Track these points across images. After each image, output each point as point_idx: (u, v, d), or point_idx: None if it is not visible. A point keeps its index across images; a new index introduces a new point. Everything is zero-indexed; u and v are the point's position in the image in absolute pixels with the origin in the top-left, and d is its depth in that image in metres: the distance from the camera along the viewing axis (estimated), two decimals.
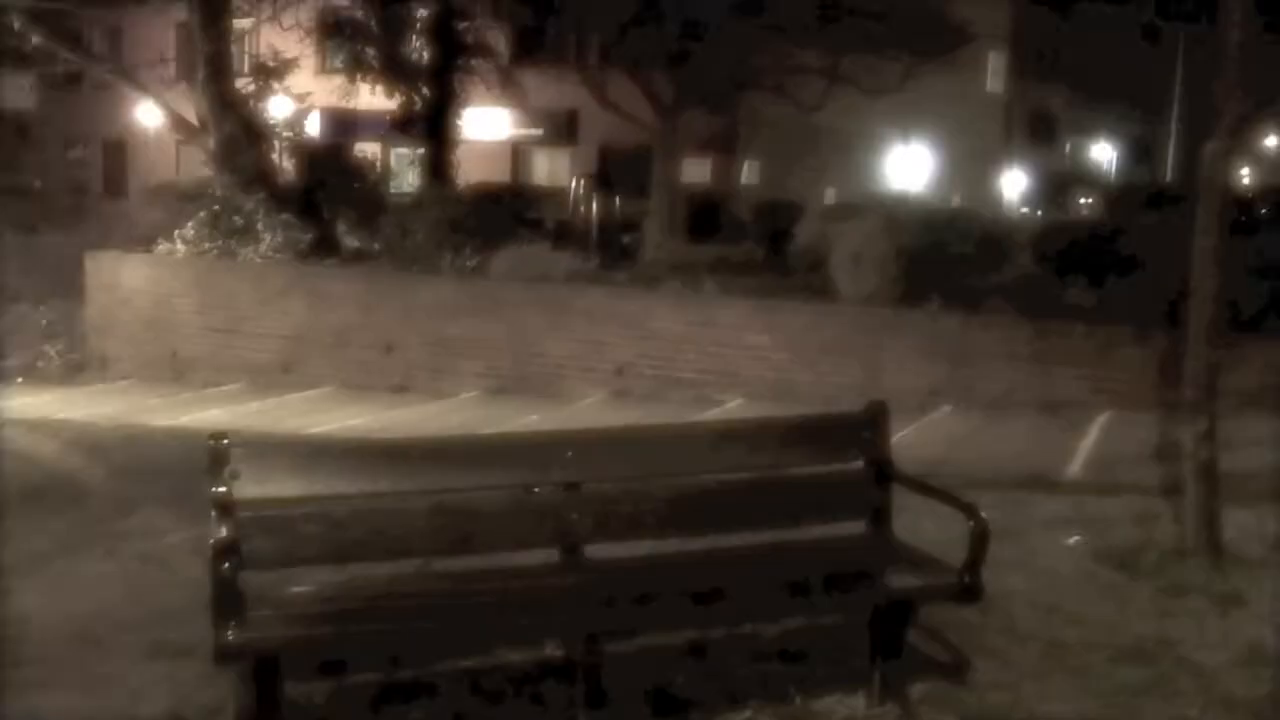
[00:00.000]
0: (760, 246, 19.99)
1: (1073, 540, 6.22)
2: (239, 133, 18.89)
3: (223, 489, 3.68)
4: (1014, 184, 42.19)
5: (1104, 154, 53.35)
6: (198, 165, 20.83)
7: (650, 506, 4.19)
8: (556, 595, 3.90)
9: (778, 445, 4.49)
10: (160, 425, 10.93)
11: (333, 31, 25.46)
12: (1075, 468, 8.71)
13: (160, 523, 6.50)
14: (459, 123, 24.57)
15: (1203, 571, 5.56)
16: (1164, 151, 40.60)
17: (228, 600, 3.45)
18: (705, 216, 24.10)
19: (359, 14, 24.44)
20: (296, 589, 3.83)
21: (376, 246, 17.05)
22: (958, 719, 4.06)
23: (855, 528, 4.40)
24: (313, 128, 25.83)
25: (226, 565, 3.47)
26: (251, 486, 3.74)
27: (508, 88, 26.45)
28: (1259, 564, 5.73)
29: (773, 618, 4.53)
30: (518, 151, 32.91)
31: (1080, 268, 13.64)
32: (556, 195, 26.49)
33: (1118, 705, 4.28)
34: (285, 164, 22.08)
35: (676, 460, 4.39)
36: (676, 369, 12.35)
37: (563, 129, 31.56)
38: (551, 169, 32.02)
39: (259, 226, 16.31)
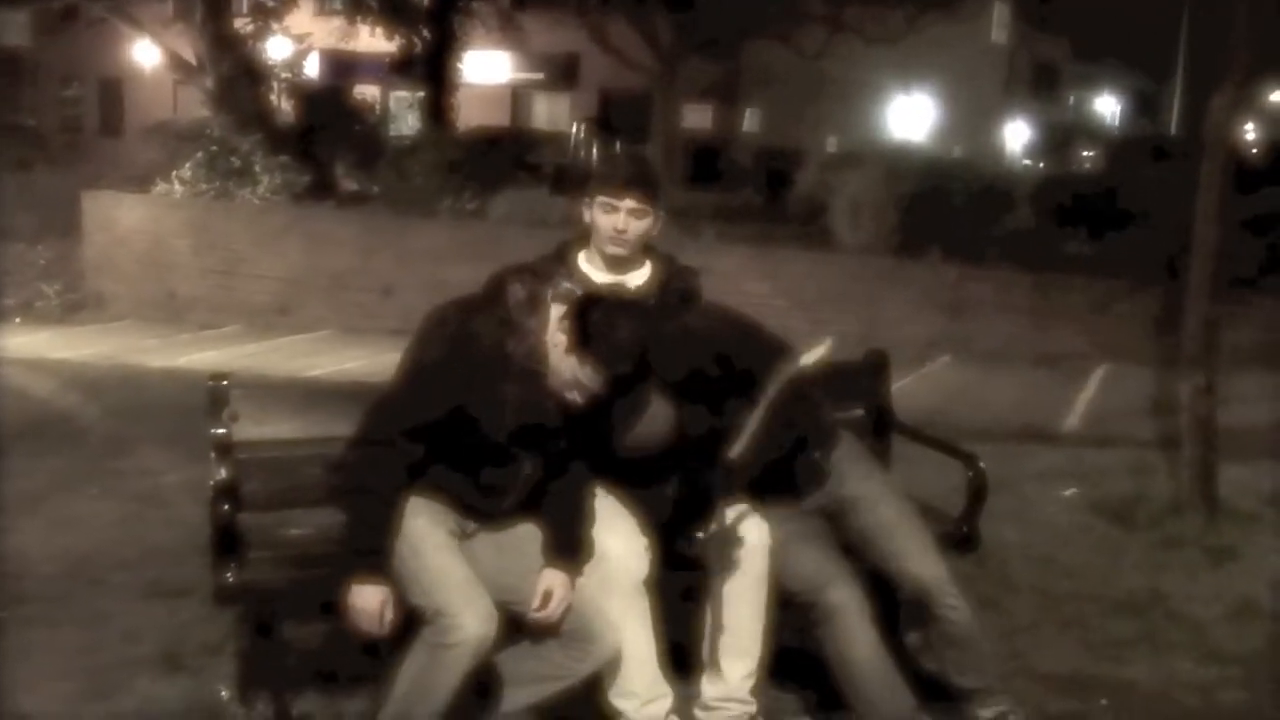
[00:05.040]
0: (760, 194, 19.95)
1: (1069, 492, 6.24)
2: (237, 73, 18.77)
3: (222, 430, 3.67)
4: (1016, 135, 42.02)
5: (1107, 107, 53.11)
6: (195, 105, 20.69)
7: None
8: None
9: None
10: (157, 366, 10.93)
11: None
12: (1073, 420, 8.74)
13: (158, 463, 6.51)
14: (459, 66, 24.40)
15: (1197, 525, 5.59)
16: (1168, 105, 40.38)
17: (226, 541, 3.45)
18: (705, 163, 24.02)
19: None
20: (295, 531, 3.83)
21: (375, 189, 16.99)
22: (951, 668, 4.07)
23: None
24: (311, 69, 25.62)
25: (225, 506, 3.47)
26: (250, 428, 3.73)
27: (508, 30, 26.26)
28: (1253, 519, 5.75)
29: None
30: (518, 95, 32.74)
31: (1081, 221, 13.62)
32: (556, 139, 26.37)
33: (1110, 657, 4.30)
34: (283, 105, 21.92)
35: None
36: None
37: (563, 73, 31.37)
38: (551, 113, 31.85)
39: (256, 168, 16.23)
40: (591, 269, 3.64)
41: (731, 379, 3.42)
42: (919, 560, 3.49)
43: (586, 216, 3.65)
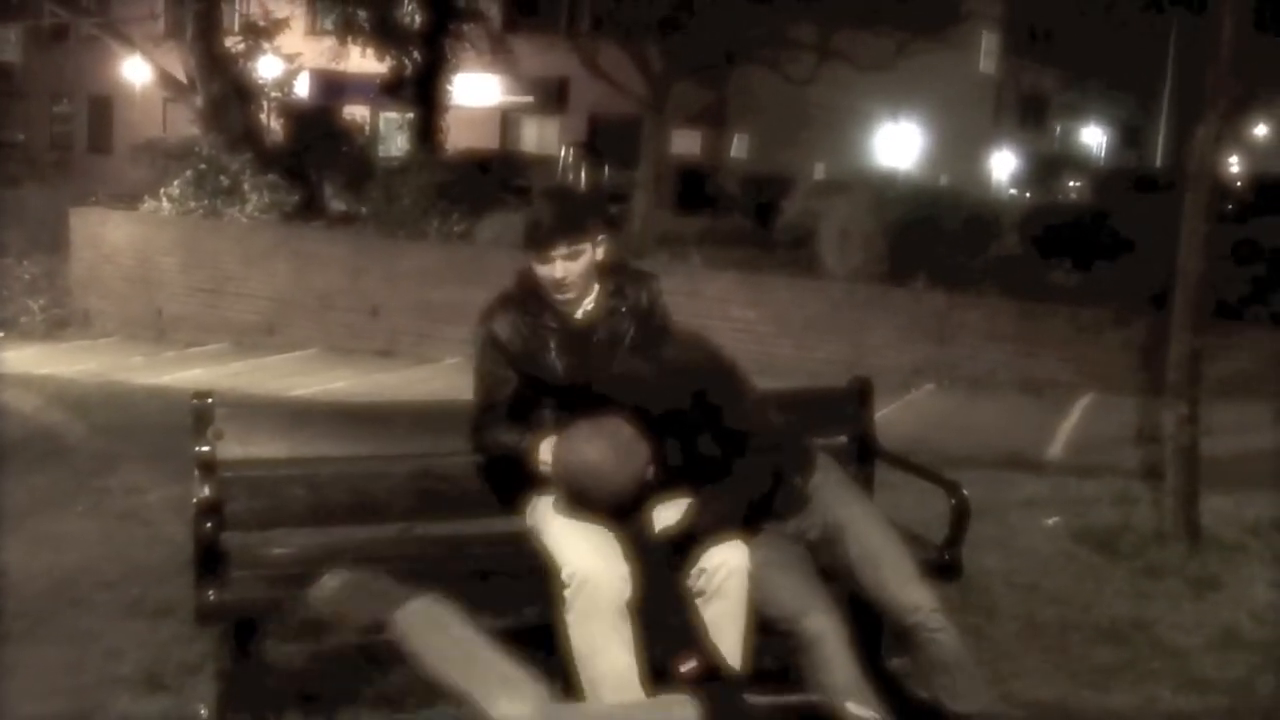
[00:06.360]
0: (748, 220, 20.01)
1: (1052, 520, 6.25)
2: (227, 92, 18.79)
3: (206, 448, 3.66)
4: (1003, 165, 42.25)
5: (1094, 138, 53.42)
6: (185, 124, 20.71)
7: None
8: (538, 561, 3.89)
9: None
10: (143, 383, 10.90)
11: None
12: (1056, 449, 8.75)
13: (142, 481, 6.49)
14: (449, 88, 24.46)
15: (1180, 555, 5.60)
16: (1154, 137, 40.63)
17: (209, 560, 3.44)
18: (694, 189, 24.08)
19: None
20: (278, 550, 3.83)
21: (363, 210, 17.01)
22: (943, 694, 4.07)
23: None
24: (301, 89, 25.68)
25: (208, 525, 3.46)
26: (234, 447, 3.73)
27: (499, 54, 26.33)
28: (1236, 548, 5.76)
29: None
30: (507, 118, 32.77)
31: (1067, 250, 13.70)
32: (545, 163, 26.41)
33: (1093, 685, 4.31)
34: (273, 125, 21.97)
35: None
36: None
37: (553, 97, 31.41)
38: (541, 137, 31.89)
39: (245, 187, 16.24)
40: (550, 299, 3.67)
41: (705, 414, 3.46)
42: (905, 588, 3.50)
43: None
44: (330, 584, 3.31)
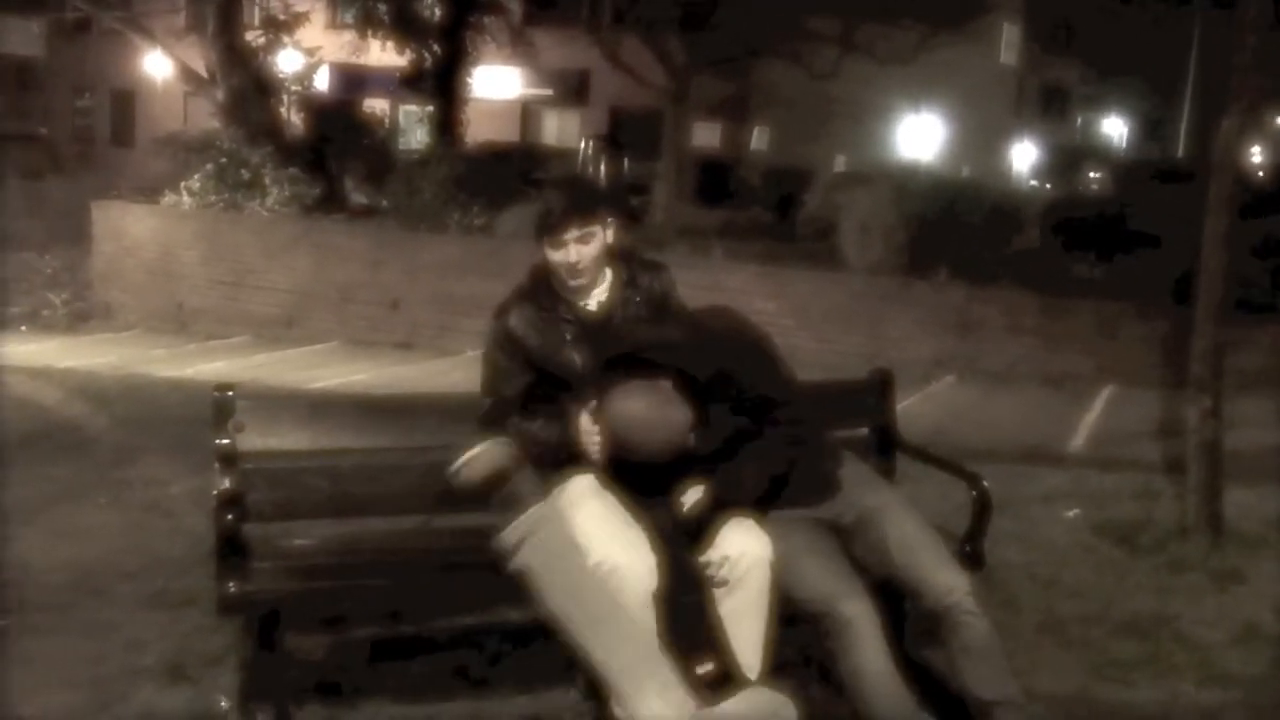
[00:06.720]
0: (768, 213, 19.97)
1: (1073, 514, 6.23)
2: (247, 86, 18.83)
3: (227, 440, 3.68)
4: (1024, 157, 42.03)
5: (1115, 129, 53.12)
6: (206, 117, 20.77)
7: None
8: None
9: None
10: (165, 376, 10.94)
11: None
12: (1078, 442, 8.72)
13: (163, 472, 6.52)
14: (469, 81, 24.46)
15: (1203, 549, 5.57)
16: (1176, 128, 40.37)
17: (230, 551, 3.46)
18: (714, 181, 24.06)
19: None
20: (299, 542, 3.84)
21: (384, 203, 17.03)
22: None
23: None
24: (322, 83, 25.71)
25: (230, 516, 3.47)
26: (255, 439, 3.74)
27: (519, 47, 26.32)
28: (1259, 543, 5.73)
29: None
30: (528, 111, 32.78)
31: (1088, 243, 13.62)
32: (566, 156, 26.40)
33: (1114, 679, 4.29)
34: (293, 118, 22.00)
35: None
36: None
37: (573, 89, 31.42)
38: (561, 129, 31.89)
39: (266, 180, 16.27)
40: (564, 291, 3.70)
41: (736, 381, 3.49)
42: (941, 570, 3.52)
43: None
44: (480, 461, 3.49)
